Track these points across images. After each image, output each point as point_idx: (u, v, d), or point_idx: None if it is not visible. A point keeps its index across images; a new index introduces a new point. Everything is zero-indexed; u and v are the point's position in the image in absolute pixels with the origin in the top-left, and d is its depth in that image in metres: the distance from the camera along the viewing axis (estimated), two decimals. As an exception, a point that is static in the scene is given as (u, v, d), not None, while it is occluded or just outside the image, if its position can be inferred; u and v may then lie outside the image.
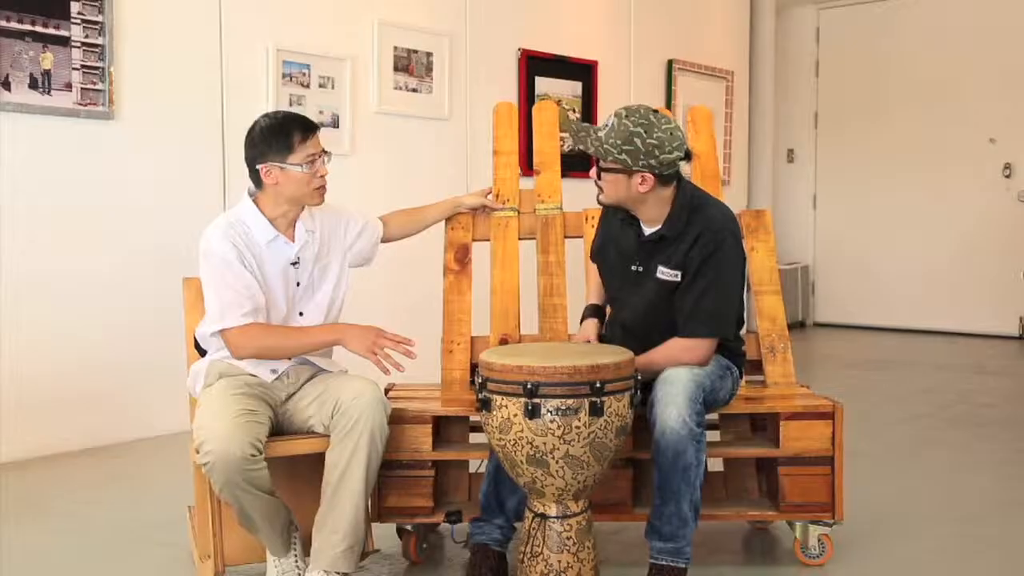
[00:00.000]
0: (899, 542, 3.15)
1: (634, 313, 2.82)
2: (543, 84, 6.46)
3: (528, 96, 6.31)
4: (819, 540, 2.91)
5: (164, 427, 4.49)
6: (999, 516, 3.44)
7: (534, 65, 6.38)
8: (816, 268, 9.00)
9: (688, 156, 2.68)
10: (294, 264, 2.79)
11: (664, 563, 2.62)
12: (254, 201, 2.77)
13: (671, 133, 2.61)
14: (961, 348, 7.57)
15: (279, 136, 2.69)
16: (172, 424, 4.38)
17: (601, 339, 2.94)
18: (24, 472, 4.03)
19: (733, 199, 8.07)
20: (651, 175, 2.61)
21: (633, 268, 2.79)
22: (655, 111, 2.64)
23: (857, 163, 8.71)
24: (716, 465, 3.12)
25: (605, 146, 2.61)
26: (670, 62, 7.49)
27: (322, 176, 2.74)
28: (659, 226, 2.73)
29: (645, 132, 2.58)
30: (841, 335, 8.43)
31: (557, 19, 6.63)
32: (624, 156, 2.59)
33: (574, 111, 6.67)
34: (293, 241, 2.79)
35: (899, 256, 8.50)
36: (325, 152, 2.76)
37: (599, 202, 2.79)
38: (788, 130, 9.04)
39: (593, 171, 2.73)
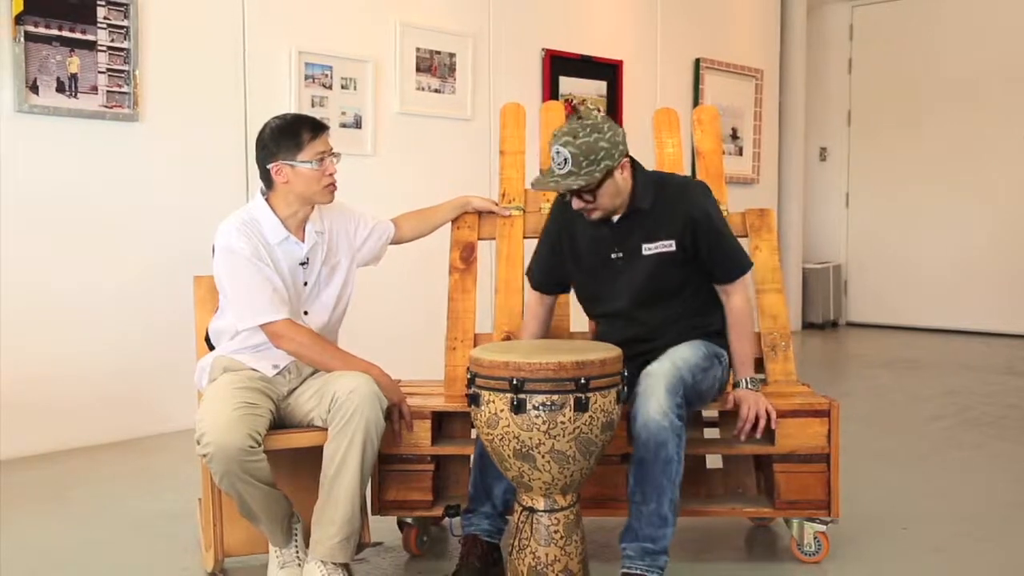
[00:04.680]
0: (898, 541, 3.15)
1: (629, 299, 2.83)
2: (567, 84, 6.49)
3: (552, 96, 6.35)
4: (815, 537, 2.92)
5: (186, 422, 4.59)
6: (1003, 516, 3.42)
7: (558, 65, 6.42)
8: (849, 267, 8.93)
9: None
10: (303, 264, 2.86)
11: (638, 572, 2.55)
12: (266, 200, 2.85)
13: (606, 119, 2.70)
14: (994, 349, 7.48)
15: (289, 135, 2.77)
16: (193, 419, 4.48)
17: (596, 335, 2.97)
18: (47, 465, 4.16)
19: (762, 198, 8.04)
20: (626, 160, 2.71)
21: (613, 256, 2.83)
22: (577, 117, 2.67)
23: (891, 161, 8.64)
24: (715, 462, 3.15)
25: (583, 174, 2.60)
26: (697, 61, 7.48)
27: (331, 174, 2.81)
28: (626, 207, 2.78)
29: (598, 133, 2.62)
30: (873, 335, 8.36)
31: (582, 18, 6.66)
32: (605, 163, 2.62)
33: (599, 110, 6.69)
34: (303, 241, 2.86)
35: (934, 255, 8.41)
36: (334, 153, 2.83)
37: (593, 220, 2.78)
38: (821, 128, 8.99)
39: (576, 203, 2.71)
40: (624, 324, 2.85)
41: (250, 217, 2.82)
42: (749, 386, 2.85)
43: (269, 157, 2.79)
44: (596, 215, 2.75)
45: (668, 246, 2.77)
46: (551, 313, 3.10)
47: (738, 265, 2.86)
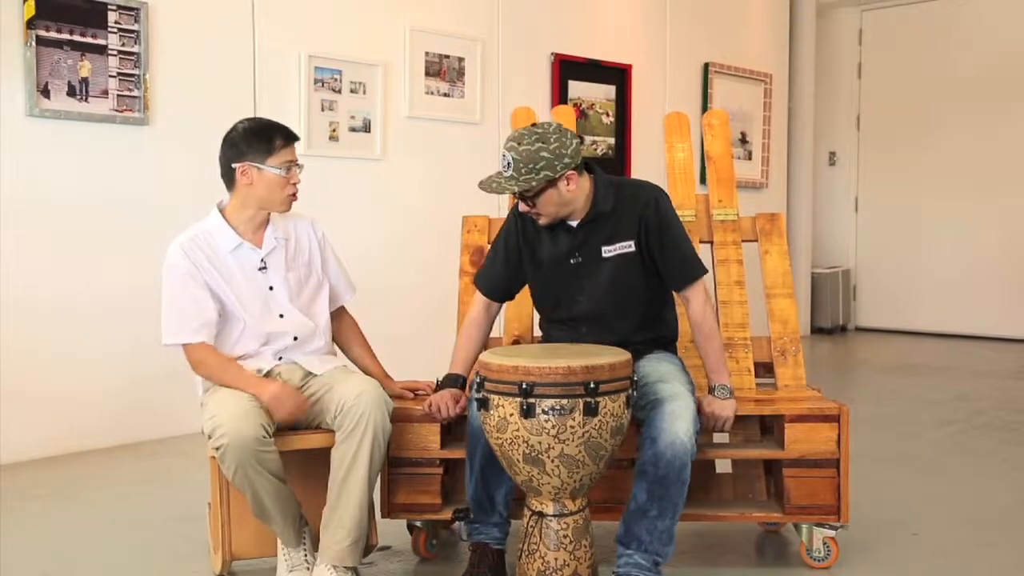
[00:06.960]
0: (909, 546, 3.14)
1: (592, 301, 2.83)
2: (576, 88, 6.49)
3: (561, 100, 6.35)
4: (824, 543, 2.91)
5: (196, 426, 4.59)
6: (1014, 521, 3.40)
7: (567, 69, 6.42)
8: (858, 272, 8.91)
9: (580, 138, 2.79)
10: (261, 269, 2.85)
11: None
12: (221, 212, 2.86)
13: (559, 129, 2.69)
14: (1004, 354, 7.45)
15: (261, 138, 2.77)
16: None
17: (549, 338, 2.97)
18: (55, 467, 4.18)
19: (771, 202, 8.04)
20: (573, 172, 2.68)
21: (572, 262, 2.83)
22: (532, 124, 2.72)
23: (901, 166, 8.62)
24: (724, 467, 3.14)
25: (521, 180, 2.65)
26: (706, 65, 7.47)
27: (295, 184, 2.82)
28: (586, 213, 2.79)
29: (543, 142, 2.64)
30: (882, 339, 8.34)
31: (591, 23, 6.66)
32: (544, 173, 2.64)
33: (608, 115, 6.69)
34: (260, 247, 2.85)
35: (943, 260, 8.38)
36: (299, 164, 2.84)
37: (542, 224, 2.82)
38: (830, 133, 8.97)
39: (521, 205, 2.79)
40: (588, 330, 2.84)
41: (201, 230, 2.83)
42: (717, 394, 2.81)
43: (237, 156, 2.79)
44: (543, 221, 2.78)
45: (628, 247, 2.79)
46: (493, 323, 3.06)
47: (693, 269, 2.84)
